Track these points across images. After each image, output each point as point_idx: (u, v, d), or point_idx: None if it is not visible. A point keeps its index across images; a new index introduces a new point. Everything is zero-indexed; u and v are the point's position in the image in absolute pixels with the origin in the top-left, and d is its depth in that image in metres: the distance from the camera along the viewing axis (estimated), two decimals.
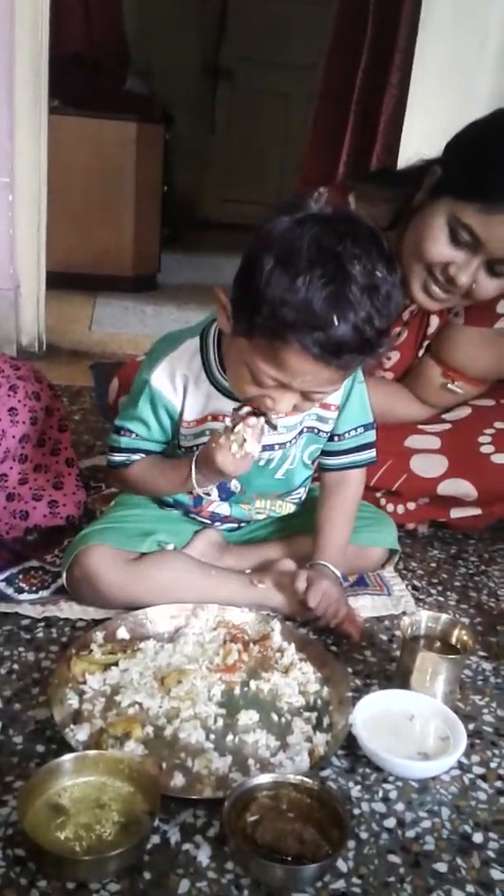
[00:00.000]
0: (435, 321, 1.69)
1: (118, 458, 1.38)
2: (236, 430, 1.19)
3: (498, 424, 1.68)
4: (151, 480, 1.38)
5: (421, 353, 1.73)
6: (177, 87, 5.36)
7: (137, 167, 3.96)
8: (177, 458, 1.37)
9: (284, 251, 1.03)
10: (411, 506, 1.73)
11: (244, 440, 1.19)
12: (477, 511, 1.69)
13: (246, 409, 1.20)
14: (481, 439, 1.66)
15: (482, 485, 1.65)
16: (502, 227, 1.42)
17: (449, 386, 1.71)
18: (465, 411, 1.74)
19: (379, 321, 1.06)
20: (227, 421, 1.21)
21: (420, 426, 1.74)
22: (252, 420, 1.19)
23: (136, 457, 1.38)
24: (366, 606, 1.49)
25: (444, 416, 1.76)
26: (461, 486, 1.66)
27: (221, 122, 6.08)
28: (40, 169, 2.74)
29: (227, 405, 1.29)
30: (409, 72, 2.57)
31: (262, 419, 1.20)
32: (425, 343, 1.72)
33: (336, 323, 1.03)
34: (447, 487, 1.67)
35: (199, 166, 5.95)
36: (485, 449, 1.65)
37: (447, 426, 1.73)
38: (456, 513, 1.71)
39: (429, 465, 1.68)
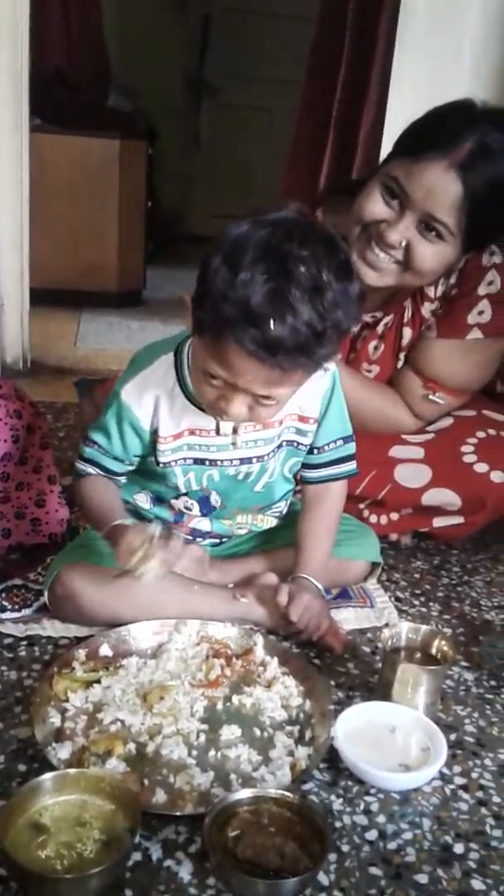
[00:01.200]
0: (408, 333, 1.71)
1: (79, 466, 1.39)
2: (142, 551, 1.18)
3: (479, 434, 1.70)
4: (88, 506, 1.37)
5: (400, 364, 1.74)
6: (161, 102, 5.38)
7: (121, 183, 3.97)
8: (106, 507, 1.34)
9: (232, 249, 1.05)
10: (394, 516, 1.74)
11: (149, 559, 1.18)
12: (459, 520, 1.71)
13: (159, 530, 1.21)
14: (464, 449, 1.68)
15: (465, 494, 1.66)
16: (422, 176, 1.46)
17: (430, 397, 1.72)
18: (447, 421, 1.76)
19: (319, 325, 1.05)
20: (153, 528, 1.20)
21: (404, 437, 1.75)
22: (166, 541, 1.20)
23: (90, 469, 1.38)
24: (348, 619, 1.49)
25: (427, 427, 1.78)
26: (445, 496, 1.67)
27: (206, 137, 6.10)
28: (22, 187, 2.75)
29: (204, 420, 1.30)
30: (388, 87, 2.60)
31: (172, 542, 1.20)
32: (401, 355, 1.73)
33: (272, 323, 1.03)
34: (431, 497, 1.68)
35: (183, 181, 5.97)
36: (467, 458, 1.66)
37: (430, 436, 1.74)
38: (438, 522, 1.72)
39: (413, 475, 1.69)
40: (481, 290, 1.63)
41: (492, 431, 1.70)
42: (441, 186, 1.45)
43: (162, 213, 5.10)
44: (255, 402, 1.16)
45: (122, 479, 1.41)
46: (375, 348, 1.73)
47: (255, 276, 1.03)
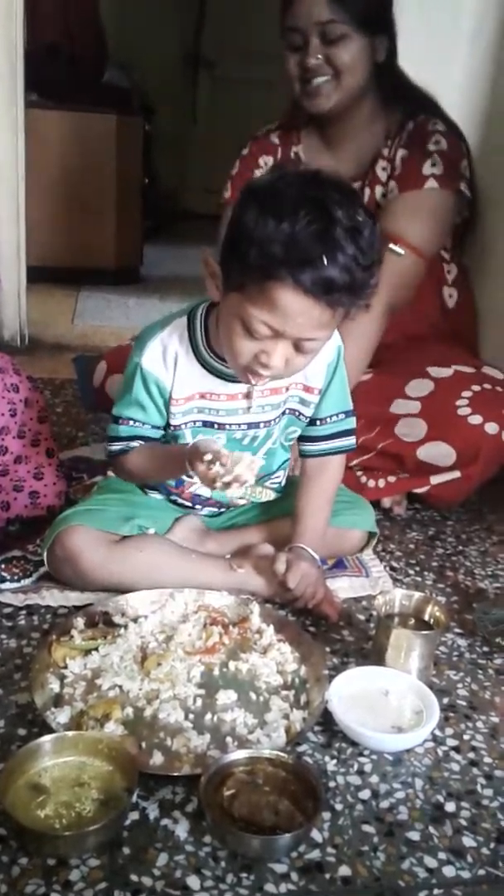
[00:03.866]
0: (367, 192, 1.89)
1: (117, 446, 1.40)
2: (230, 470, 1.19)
3: (475, 388, 1.73)
4: (150, 467, 1.40)
5: None
6: (157, 77, 5.34)
7: (118, 160, 3.96)
8: (171, 449, 1.38)
9: (269, 199, 1.09)
10: (392, 479, 1.77)
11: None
12: (456, 474, 1.72)
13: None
14: (459, 402, 1.71)
15: (460, 446, 1.69)
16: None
17: (391, 246, 1.78)
18: (447, 371, 1.79)
19: (364, 260, 1.10)
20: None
21: (406, 392, 1.77)
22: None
23: (134, 444, 1.40)
24: (343, 587, 1.51)
25: (429, 371, 1.79)
26: (440, 449, 1.70)
27: (203, 112, 6.06)
28: (18, 163, 2.74)
29: (214, 383, 1.33)
30: None
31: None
32: None
33: (325, 260, 1.08)
34: (427, 451, 1.71)
35: (181, 157, 5.94)
36: (462, 411, 1.70)
37: (430, 388, 1.76)
38: (436, 479, 1.74)
39: (410, 429, 1.73)
40: (431, 147, 1.81)
41: (487, 386, 1.74)
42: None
43: (159, 190, 5.08)
44: (294, 350, 1.19)
45: None
46: None
47: (299, 219, 1.07)
